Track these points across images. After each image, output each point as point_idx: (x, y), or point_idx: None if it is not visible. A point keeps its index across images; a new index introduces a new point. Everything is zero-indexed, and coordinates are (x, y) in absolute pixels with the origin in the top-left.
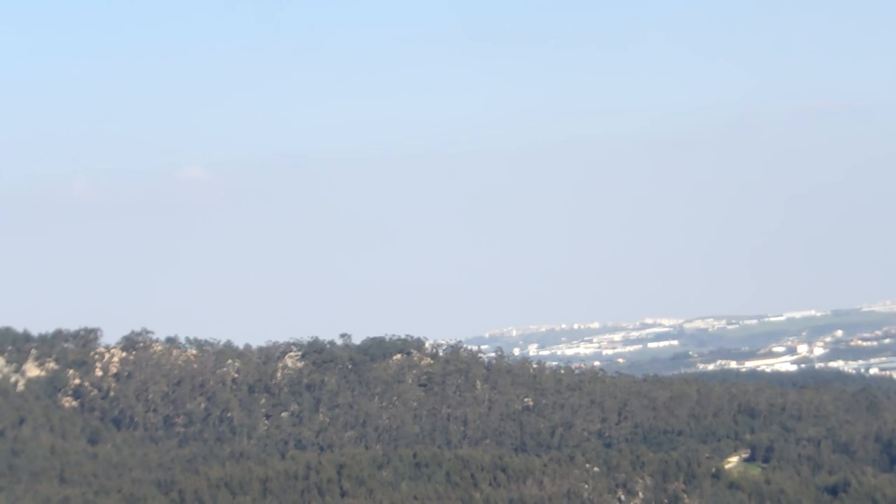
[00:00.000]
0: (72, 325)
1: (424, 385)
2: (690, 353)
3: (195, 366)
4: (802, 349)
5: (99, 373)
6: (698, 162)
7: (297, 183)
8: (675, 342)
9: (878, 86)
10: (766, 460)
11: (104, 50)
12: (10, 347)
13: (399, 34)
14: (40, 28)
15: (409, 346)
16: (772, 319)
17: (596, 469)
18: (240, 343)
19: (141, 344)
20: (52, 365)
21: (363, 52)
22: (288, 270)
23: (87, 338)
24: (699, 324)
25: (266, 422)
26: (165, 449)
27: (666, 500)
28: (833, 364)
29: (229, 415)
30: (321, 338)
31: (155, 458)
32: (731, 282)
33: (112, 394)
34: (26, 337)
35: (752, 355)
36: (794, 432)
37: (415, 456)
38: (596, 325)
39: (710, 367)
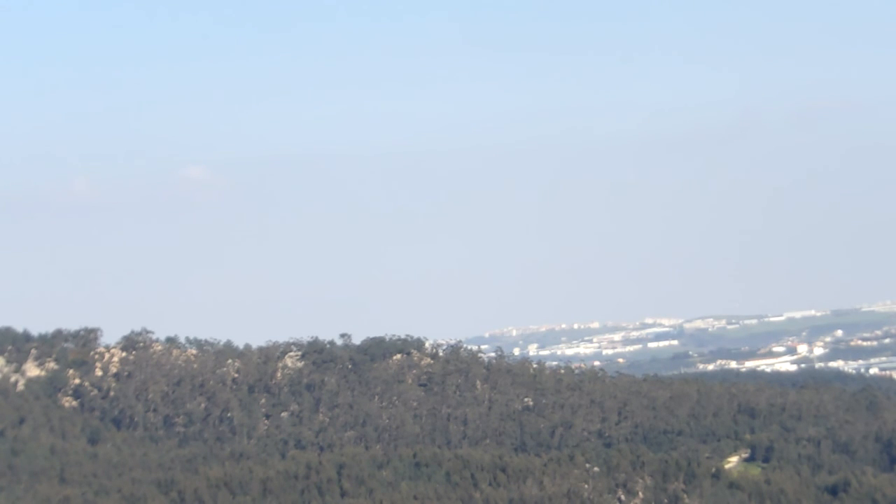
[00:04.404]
0: (72, 325)
1: (424, 385)
2: (690, 353)
3: (195, 366)
4: (802, 349)
5: (99, 373)
6: (698, 161)
7: (296, 183)
8: (675, 342)
9: (878, 83)
10: (766, 460)
11: (106, 51)
12: (10, 347)
13: (397, 35)
14: (44, 29)
15: (409, 346)
16: (772, 319)
17: (596, 469)
18: (240, 343)
19: (141, 344)
20: (52, 365)
21: (363, 52)
22: (287, 270)
23: (87, 338)
24: (699, 324)
25: (266, 422)
26: (165, 449)
27: (666, 500)
28: (833, 364)
29: (229, 415)
30: (321, 338)
31: (155, 458)
32: (730, 282)
33: (112, 394)
34: (26, 337)
35: (752, 355)
36: (794, 432)
37: (415, 456)
38: (596, 325)
39: (710, 367)
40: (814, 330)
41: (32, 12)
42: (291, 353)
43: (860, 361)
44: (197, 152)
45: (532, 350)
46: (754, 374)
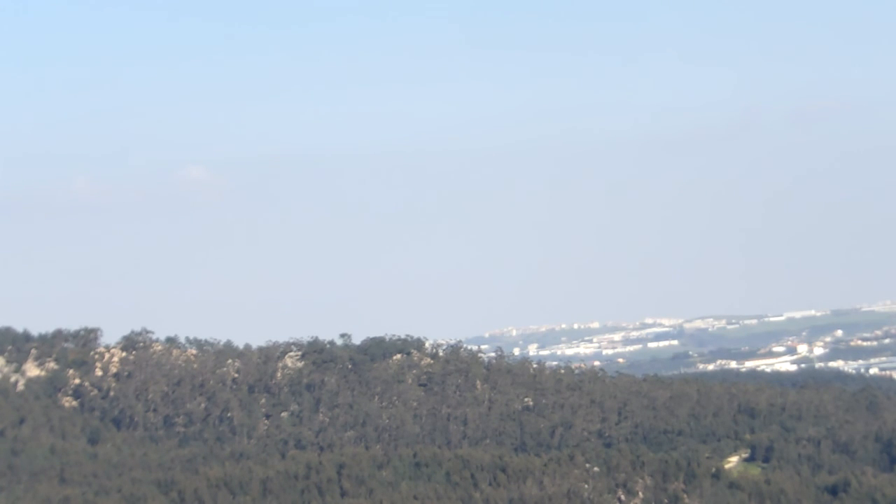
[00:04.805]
0: (72, 325)
1: (424, 385)
2: (690, 353)
3: (195, 366)
4: (802, 349)
5: (99, 373)
6: (698, 161)
7: (296, 183)
8: (675, 342)
9: (878, 83)
10: (766, 460)
11: (106, 51)
12: (10, 347)
13: (397, 35)
14: (43, 29)
15: (409, 346)
16: (772, 319)
17: (596, 469)
18: (240, 343)
19: (141, 344)
20: (52, 365)
21: (363, 52)
22: (287, 270)
23: (87, 338)
24: (699, 324)
25: (266, 422)
26: (165, 449)
27: (666, 500)
28: (833, 364)
29: (229, 415)
30: (321, 338)
31: (155, 458)
32: (730, 282)
33: (112, 394)
34: (26, 337)
35: (752, 355)
36: (794, 432)
37: (415, 456)
38: (596, 325)
39: (710, 367)
40: (814, 330)
41: (32, 12)
42: (291, 353)
43: (860, 361)
44: (197, 152)
45: (532, 350)
46: (754, 374)
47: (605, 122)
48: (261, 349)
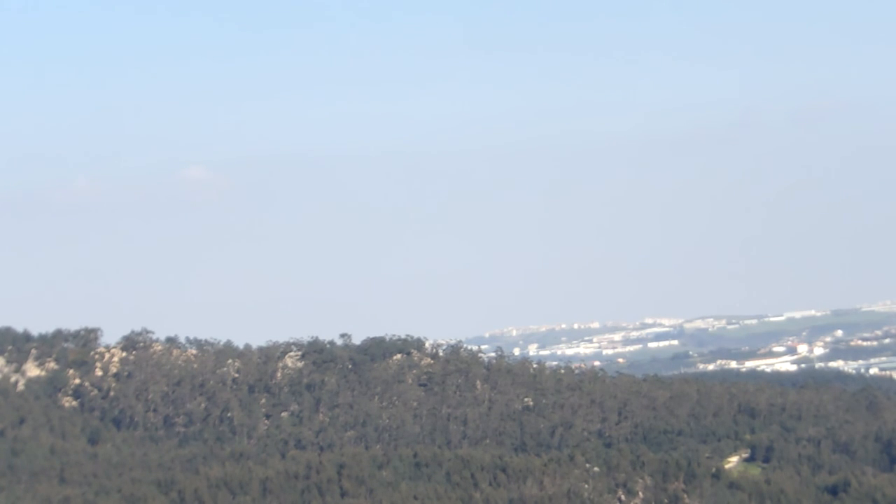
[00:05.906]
0: (72, 325)
1: (424, 385)
2: (690, 353)
3: (195, 366)
4: (802, 349)
5: (99, 373)
6: (698, 161)
7: (296, 183)
8: (675, 342)
9: (879, 83)
10: (766, 460)
11: (106, 51)
12: (10, 347)
13: (397, 35)
14: (44, 29)
15: (409, 346)
16: (772, 319)
17: (596, 469)
18: (240, 343)
19: (141, 344)
20: (52, 365)
21: (363, 52)
22: (287, 270)
23: (87, 338)
24: (699, 324)
25: (266, 422)
26: (165, 449)
27: (666, 500)
28: (833, 364)
29: (229, 415)
30: (321, 338)
31: (155, 458)
32: (730, 282)
33: (112, 394)
34: (26, 337)
35: (752, 355)
36: (794, 432)
37: (415, 456)
38: (596, 325)
39: (710, 367)
40: (814, 330)
41: (32, 12)
42: (291, 353)
43: (860, 361)
44: (197, 152)
45: (532, 350)
46: (754, 374)
47: (605, 122)
48: (261, 349)
